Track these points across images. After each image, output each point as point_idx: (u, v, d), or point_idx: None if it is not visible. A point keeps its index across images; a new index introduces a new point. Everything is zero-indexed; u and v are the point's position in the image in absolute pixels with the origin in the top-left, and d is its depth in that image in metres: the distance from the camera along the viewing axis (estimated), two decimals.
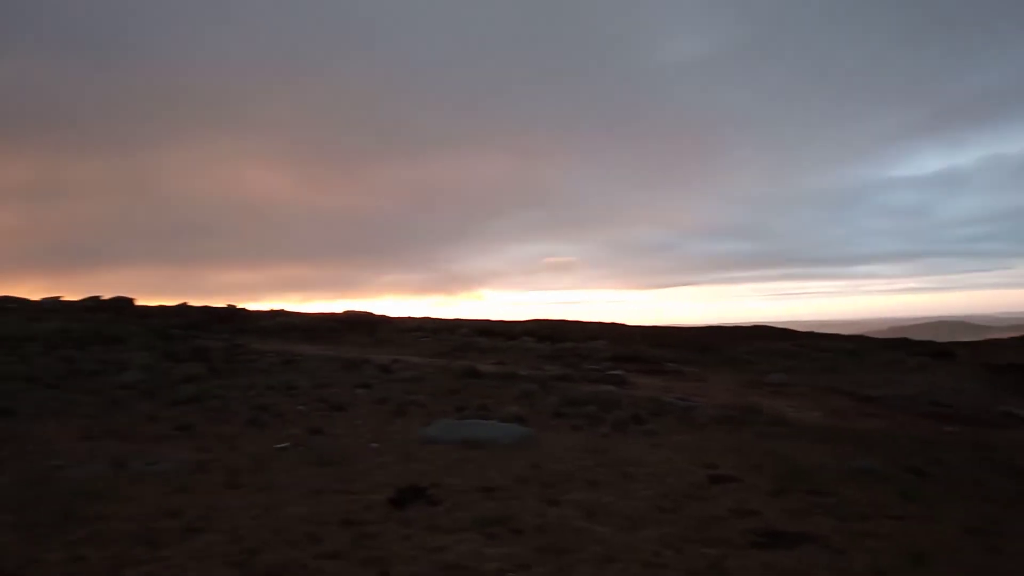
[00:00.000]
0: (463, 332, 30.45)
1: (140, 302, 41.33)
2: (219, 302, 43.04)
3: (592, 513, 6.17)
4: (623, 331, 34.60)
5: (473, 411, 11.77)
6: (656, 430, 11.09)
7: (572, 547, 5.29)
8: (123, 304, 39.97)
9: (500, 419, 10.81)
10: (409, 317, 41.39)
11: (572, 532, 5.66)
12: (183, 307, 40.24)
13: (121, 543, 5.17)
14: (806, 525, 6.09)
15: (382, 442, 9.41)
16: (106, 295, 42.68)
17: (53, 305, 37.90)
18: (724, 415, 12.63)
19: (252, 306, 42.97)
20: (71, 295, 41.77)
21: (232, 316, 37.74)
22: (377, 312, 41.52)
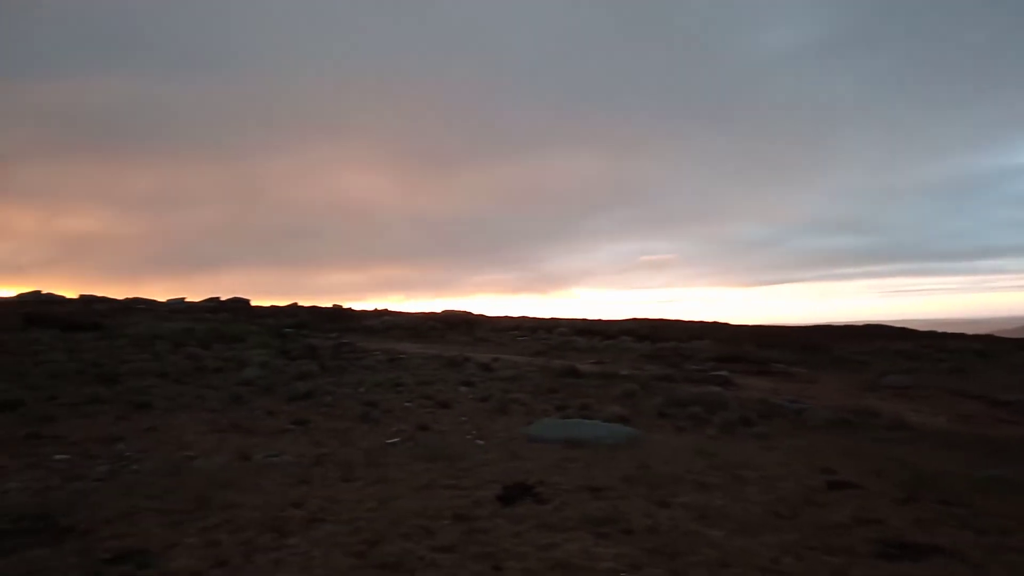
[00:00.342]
0: (560, 331, 30.44)
1: (255, 302, 43.83)
2: (326, 302, 45.02)
3: (704, 516, 6.03)
4: (726, 330, 33.60)
5: (575, 410, 11.76)
6: (766, 433, 10.72)
7: (685, 550, 5.19)
8: (240, 304, 42.43)
9: (603, 419, 10.75)
10: (506, 316, 41.81)
11: (684, 535, 5.55)
12: (294, 307, 42.31)
13: (250, 530, 5.49)
14: (937, 536, 5.72)
15: (487, 439, 9.56)
16: (224, 296, 45.45)
17: (178, 306, 40.69)
18: (838, 418, 12.06)
19: (357, 305, 44.68)
20: (193, 296, 44.73)
21: (339, 315, 39.32)
22: (474, 311, 42.25)
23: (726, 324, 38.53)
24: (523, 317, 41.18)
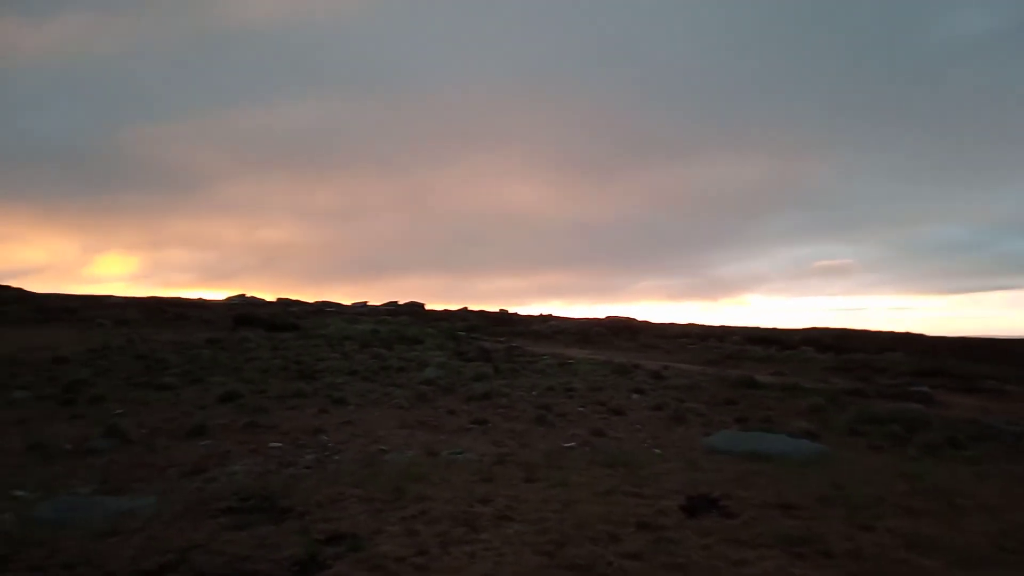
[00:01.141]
0: (734, 339, 29.27)
1: (429, 306, 46.26)
2: (492, 306, 46.53)
3: (914, 544, 5.53)
4: (922, 342, 30.61)
5: (756, 423, 11.25)
6: (978, 457, 9.63)
7: None
8: (416, 308, 44.94)
9: (787, 433, 10.19)
10: (672, 323, 40.88)
11: (892, 563, 5.12)
12: (464, 311, 44.14)
13: (444, 522, 5.78)
14: None
15: (664, 448, 9.40)
16: (401, 300, 48.32)
17: (362, 309, 43.82)
18: None
19: (520, 310, 45.73)
20: (373, 299, 48.00)
21: (506, 320, 40.45)
22: (638, 317, 41.72)
23: (921, 335, 35.09)
24: (691, 324, 40.08)
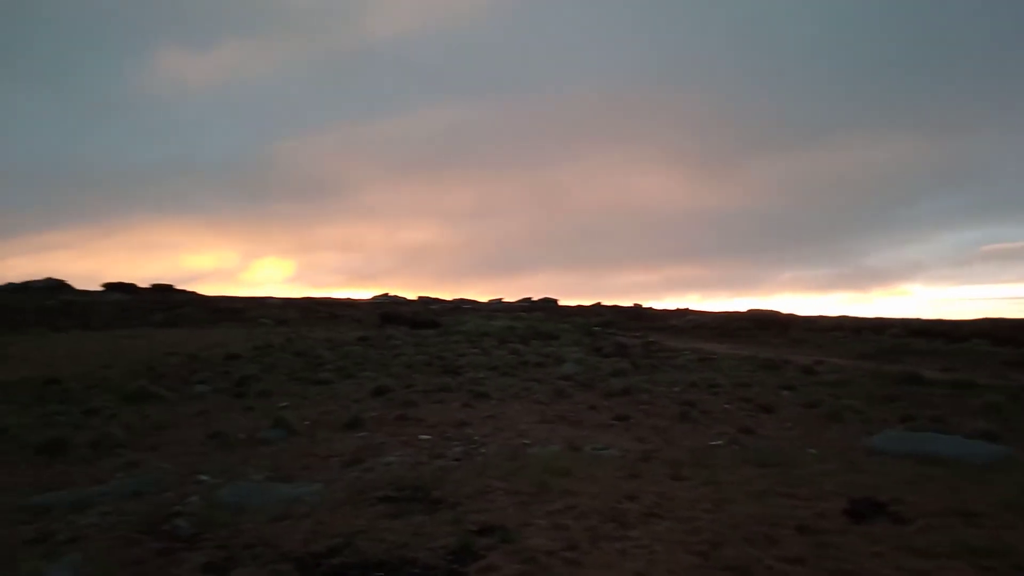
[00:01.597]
0: (892, 332, 27.16)
1: (562, 302, 46.45)
2: (623, 301, 46.01)
3: None
4: None
5: (925, 422, 10.36)
6: None
7: None
8: (550, 304, 45.27)
9: (963, 434, 9.30)
10: (822, 316, 38.58)
11: None
12: (598, 306, 43.90)
13: (593, 518, 5.76)
14: None
15: (820, 448, 8.88)
16: (535, 296, 48.81)
17: (497, 305, 44.71)
18: None
19: (655, 305, 44.84)
20: (507, 296, 48.80)
21: (641, 314, 39.82)
22: (784, 310, 39.65)
23: None
24: (843, 316, 37.66)
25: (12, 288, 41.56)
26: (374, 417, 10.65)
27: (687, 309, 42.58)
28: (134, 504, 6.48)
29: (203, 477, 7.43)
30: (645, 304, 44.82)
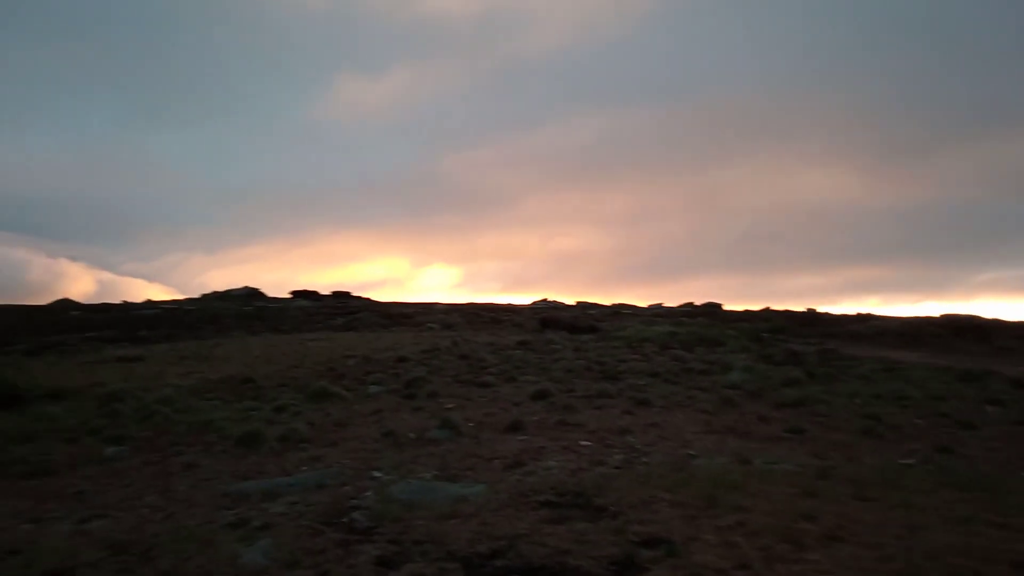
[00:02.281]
0: None
1: (727, 307, 44.55)
2: (794, 306, 43.20)
3: None
4: None
5: None
6: None
7: None
8: (713, 309, 43.60)
9: None
10: None
11: None
12: (767, 311, 41.64)
13: (766, 537, 5.40)
14: None
15: None
16: (697, 301, 47.26)
17: (658, 310, 43.76)
18: None
19: (829, 310, 41.74)
20: (668, 301, 47.64)
21: (816, 320, 37.25)
22: (984, 315, 35.39)
23: None
24: None
25: (216, 296, 46.73)
26: (535, 421, 10.75)
27: (870, 314, 39.23)
28: (317, 496, 6.97)
29: (377, 473, 7.85)
30: (820, 309, 41.90)
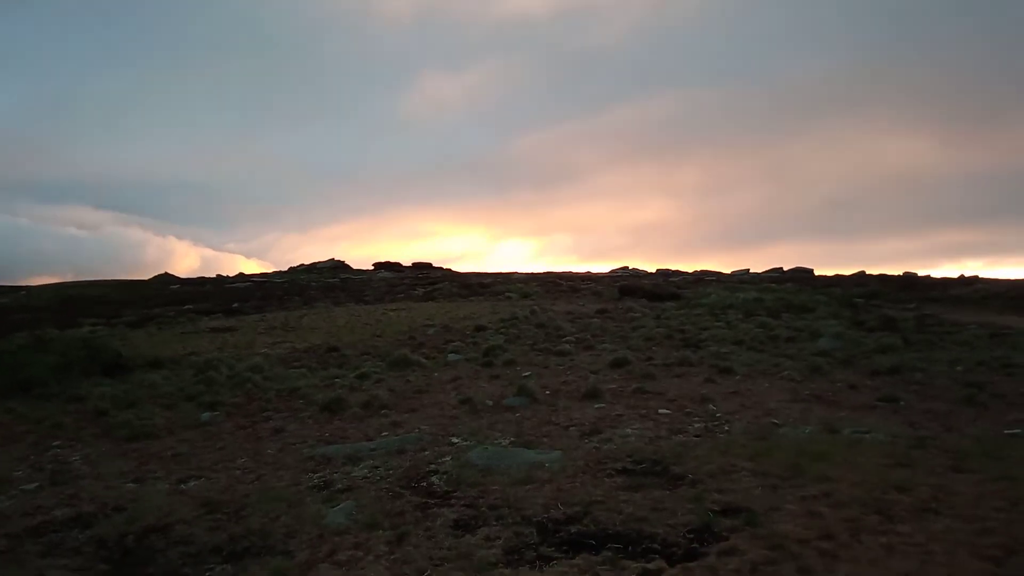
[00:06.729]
0: None
1: (818, 272, 42.76)
2: (889, 270, 41.01)
3: None
4: None
5: None
6: None
7: None
8: (803, 274, 41.93)
9: None
10: None
11: None
12: (861, 276, 39.72)
13: (852, 507, 5.17)
14: None
15: None
16: (786, 267, 45.55)
17: (743, 276, 42.47)
18: None
19: (931, 273, 39.45)
20: (755, 267, 46.11)
21: (914, 284, 35.28)
22: None
23: None
24: None
25: (303, 269, 48.47)
26: (612, 389, 10.65)
27: (975, 277, 36.84)
28: (397, 460, 7.15)
29: (455, 439, 7.98)
30: (919, 273, 39.67)
